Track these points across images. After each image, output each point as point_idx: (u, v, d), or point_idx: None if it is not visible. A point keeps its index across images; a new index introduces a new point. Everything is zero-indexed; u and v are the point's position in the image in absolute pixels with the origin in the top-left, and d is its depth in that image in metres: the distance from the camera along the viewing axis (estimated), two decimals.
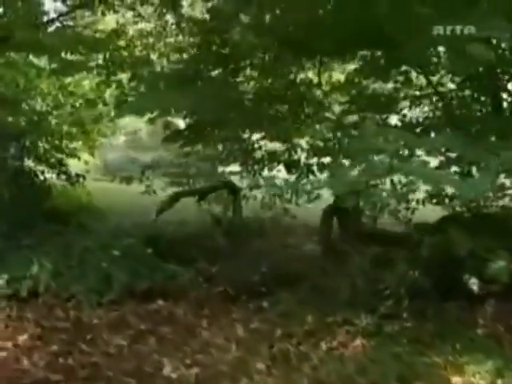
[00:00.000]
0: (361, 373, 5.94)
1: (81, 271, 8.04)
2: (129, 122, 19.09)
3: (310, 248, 10.32)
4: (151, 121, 14.35)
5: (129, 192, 12.51)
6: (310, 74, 12.58)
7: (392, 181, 6.69)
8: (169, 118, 20.17)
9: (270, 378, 5.95)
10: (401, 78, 11.69)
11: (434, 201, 10.01)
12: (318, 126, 12.76)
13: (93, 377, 5.94)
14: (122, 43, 12.33)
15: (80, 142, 13.43)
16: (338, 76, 12.90)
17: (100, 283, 7.82)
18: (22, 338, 6.70)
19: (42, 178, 11.19)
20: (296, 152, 12.66)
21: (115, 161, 16.08)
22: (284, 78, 12.25)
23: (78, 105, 13.37)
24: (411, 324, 7.12)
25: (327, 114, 12.64)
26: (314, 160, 12.60)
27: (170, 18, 12.63)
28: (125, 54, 12.30)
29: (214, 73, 12.41)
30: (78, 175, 12.13)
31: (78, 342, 6.71)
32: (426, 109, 12.24)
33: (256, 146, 12.76)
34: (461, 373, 5.98)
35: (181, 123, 22.63)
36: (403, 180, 6.51)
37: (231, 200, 10.87)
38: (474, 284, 7.31)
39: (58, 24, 12.13)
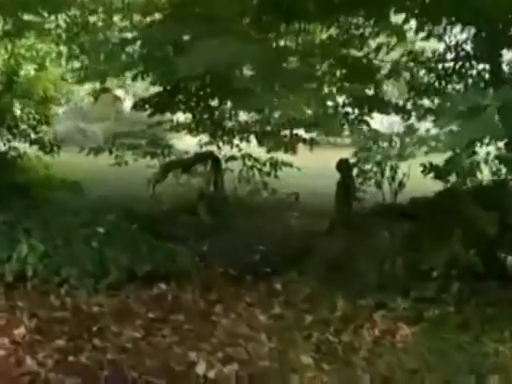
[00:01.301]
0: (426, 366, 5.03)
1: (69, 251, 6.84)
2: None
3: (304, 223, 9.38)
4: (96, 92, 13.06)
5: (92, 164, 11.22)
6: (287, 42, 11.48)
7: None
8: (112, 90, 18.96)
9: (324, 374, 4.96)
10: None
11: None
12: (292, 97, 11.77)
13: (116, 379, 4.83)
14: (85, 3, 10.91)
15: (33, 111, 11.93)
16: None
17: (94, 265, 6.65)
18: (19, 332, 5.56)
19: (4, 148, 9.80)
20: (269, 123, 11.65)
21: (64, 131, 14.72)
22: (261, 44, 11.16)
23: (31, 70, 11.86)
24: (451, 307, 6.20)
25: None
26: (288, 131, 11.69)
27: None
28: (88, 15, 10.93)
29: (186, 37, 11.14)
30: (51, 144, 10.77)
31: (83, 334, 5.60)
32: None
33: (227, 115, 11.66)
34: None
35: (122, 95, 21.43)
36: None
37: (213, 172, 9.76)
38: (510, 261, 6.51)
39: None
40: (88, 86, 13.12)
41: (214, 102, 11.62)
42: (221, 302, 6.56)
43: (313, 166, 11.41)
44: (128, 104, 21.07)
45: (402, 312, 6.14)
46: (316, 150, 11.54)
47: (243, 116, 11.95)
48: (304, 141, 11.75)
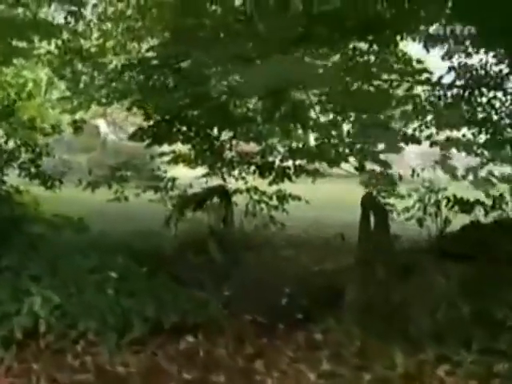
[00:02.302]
0: None
1: (84, 301, 5.90)
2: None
3: (320, 259, 8.56)
4: (77, 122, 12.10)
5: (87, 199, 10.26)
6: None
7: None
8: (91, 120, 18.02)
9: None
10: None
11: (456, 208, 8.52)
12: (294, 126, 11.03)
13: None
14: (78, 29, 10.05)
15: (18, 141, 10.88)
16: None
17: (115, 317, 5.72)
18: None
19: None
20: (271, 154, 10.87)
21: (49, 163, 13.68)
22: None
23: (17, 98, 10.90)
24: None
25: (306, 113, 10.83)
26: (290, 163, 10.89)
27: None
28: (82, 41, 10.07)
29: (184, 64, 10.33)
30: (51, 178, 9.79)
31: None
32: None
33: (227, 146, 10.85)
34: None
35: (102, 125, 20.48)
36: None
37: (223, 207, 8.88)
38: None
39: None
40: (68, 116, 12.16)
41: (214, 132, 10.83)
42: (259, 356, 5.69)
43: (318, 197, 10.60)
44: (106, 133, 20.17)
45: (469, 366, 5.31)
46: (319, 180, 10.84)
47: (244, 146, 11.16)
48: (307, 172, 11.00)
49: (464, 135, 10.18)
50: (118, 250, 7.50)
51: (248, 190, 10.04)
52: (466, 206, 8.27)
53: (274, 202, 10.02)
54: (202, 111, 10.48)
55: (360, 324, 6.08)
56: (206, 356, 5.66)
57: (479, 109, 10.45)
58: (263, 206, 9.84)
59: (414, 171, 8.76)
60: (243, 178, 10.06)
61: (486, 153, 9.85)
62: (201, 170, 10.79)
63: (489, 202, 8.27)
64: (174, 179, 9.65)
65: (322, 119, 10.93)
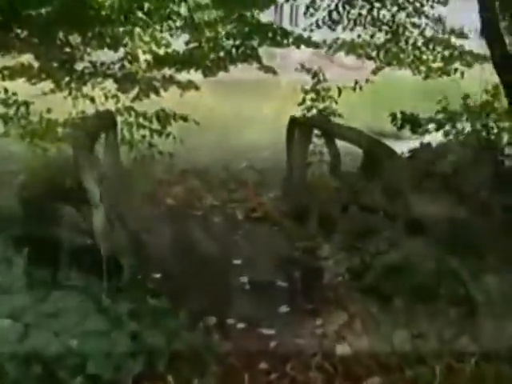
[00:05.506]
0: None
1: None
2: None
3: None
4: None
5: None
6: None
7: None
8: None
9: None
10: None
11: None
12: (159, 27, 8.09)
13: None
14: None
15: None
16: None
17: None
18: None
19: None
20: (131, 63, 8.11)
21: None
22: None
23: None
24: None
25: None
26: (156, 73, 8.20)
27: None
28: None
29: None
30: None
31: None
32: None
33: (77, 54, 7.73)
34: None
35: None
36: None
37: (111, 139, 5.76)
38: None
39: None
40: None
41: (61, 37, 7.72)
42: None
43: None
44: None
45: None
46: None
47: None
48: (178, 83, 8.36)
49: (359, 36, 8.25)
50: None
51: (118, 111, 7.09)
52: (417, 123, 6.15)
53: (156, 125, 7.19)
54: (46, 11, 7.31)
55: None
56: None
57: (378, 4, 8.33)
58: (143, 131, 6.96)
59: (356, 83, 6.45)
60: (115, 96, 7.10)
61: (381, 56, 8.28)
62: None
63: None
64: (26, 103, 6.38)
65: (196, 18, 8.24)
